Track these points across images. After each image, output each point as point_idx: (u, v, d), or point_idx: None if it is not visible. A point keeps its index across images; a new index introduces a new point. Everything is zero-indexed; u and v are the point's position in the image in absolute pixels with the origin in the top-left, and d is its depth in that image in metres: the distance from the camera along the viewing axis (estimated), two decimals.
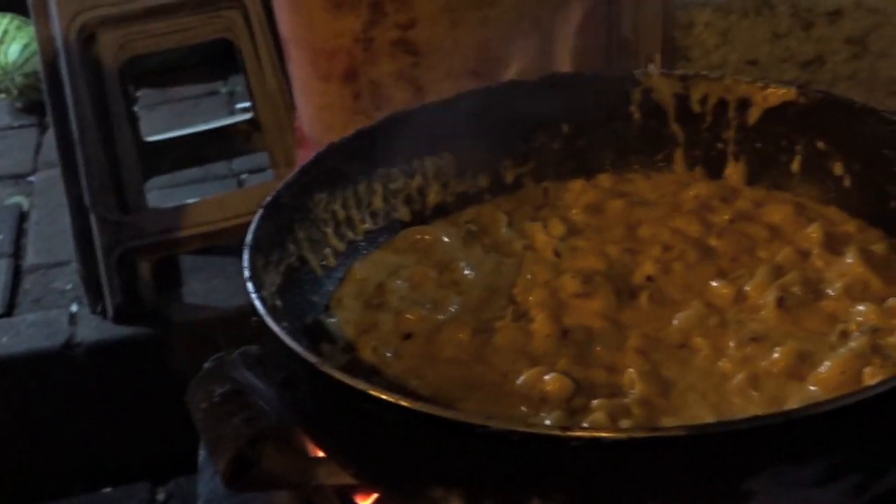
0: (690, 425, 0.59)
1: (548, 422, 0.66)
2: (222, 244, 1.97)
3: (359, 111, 1.09)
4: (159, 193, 2.17)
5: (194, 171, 2.25)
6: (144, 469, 1.88)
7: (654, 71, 0.92)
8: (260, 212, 0.73)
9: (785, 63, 1.10)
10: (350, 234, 0.83)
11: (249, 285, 0.66)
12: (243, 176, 2.34)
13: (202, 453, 0.94)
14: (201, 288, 1.99)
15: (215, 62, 2.65)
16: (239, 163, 2.31)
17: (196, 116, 2.49)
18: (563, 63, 1.07)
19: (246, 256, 0.68)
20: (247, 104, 2.15)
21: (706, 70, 1.07)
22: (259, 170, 2.25)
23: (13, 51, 2.63)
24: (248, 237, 0.70)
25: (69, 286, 2.05)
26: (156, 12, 1.86)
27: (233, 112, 2.55)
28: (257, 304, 0.64)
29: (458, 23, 1.03)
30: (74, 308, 2.00)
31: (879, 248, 0.82)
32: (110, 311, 1.93)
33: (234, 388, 0.69)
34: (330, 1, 1.05)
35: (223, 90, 2.70)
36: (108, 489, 1.86)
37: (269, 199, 0.75)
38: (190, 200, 1.99)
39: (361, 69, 1.07)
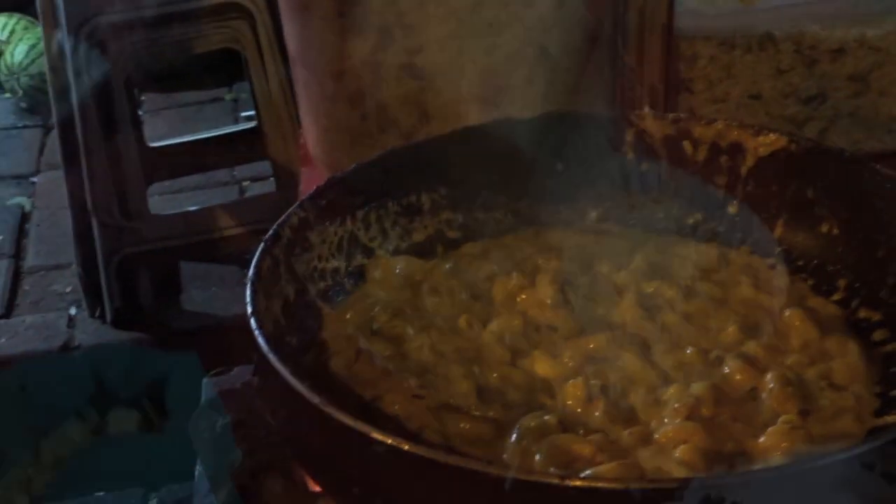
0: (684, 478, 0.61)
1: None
2: (223, 253, 1.99)
3: (364, 133, 1.10)
4: (160, 199, 2.19)
5: (196, 178, 2.27)
6: (137, 474, 1.90)
7: (648, 113, 0.93)
8: (260, 246, 0.75)
9: (787, 98, 1.10)
10: (348, 268, 0.84)
11: (252, 322, 0.67)
12: (245, 183, 2.37)
13: (199, 469, 0.96)
14: (200, 296, 2.02)
15: (220, 69, 2.67)
16: (241, 170, 2.34)
17: (199, 123, 2.52)
18: (568, 92, 1.09)
19: (248, 292, 0.70)
20: (251, 112, 2.17)
21: (709, 103, 1.07)
22: (261, 178, 2.28)
23: (19, 51, 2.65)
24: (250, 272, 0.71)
25: (68, 289, 2.08)
26: (164, 21, 1.88)
27: (237, 119, 2.58)
28: (260, 341, 0.65)
29: (465, 49, 1.05)
30: (73, 311, 2.02)
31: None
32: (109, 316, 1.95)
33: (236, 419, 0.71)
34: (339, 24, 1.06)
35: (227, 97, 2.72)
36: (100, 493, 1.89)
37: (270, 233, 0.76)
38: (192, 208, 2.01)
39: (368, 92, 1.08)
